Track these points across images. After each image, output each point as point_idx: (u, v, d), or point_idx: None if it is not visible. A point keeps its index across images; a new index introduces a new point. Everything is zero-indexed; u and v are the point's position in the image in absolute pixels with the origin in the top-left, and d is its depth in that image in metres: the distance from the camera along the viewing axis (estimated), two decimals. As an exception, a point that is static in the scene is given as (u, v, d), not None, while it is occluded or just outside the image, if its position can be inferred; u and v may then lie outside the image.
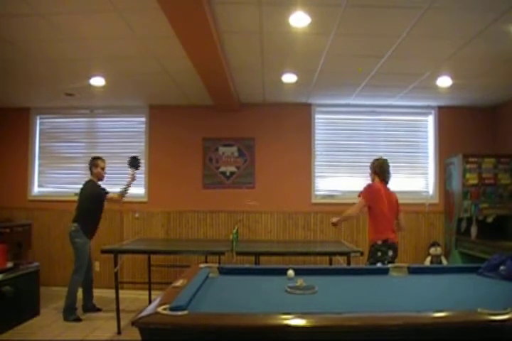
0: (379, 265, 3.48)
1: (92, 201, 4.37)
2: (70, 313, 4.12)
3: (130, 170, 4.44)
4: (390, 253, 3.61)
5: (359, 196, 3.80)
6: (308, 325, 1.47)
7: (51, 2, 2.75)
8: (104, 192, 4.35)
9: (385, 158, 3.98)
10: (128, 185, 4.42)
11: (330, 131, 5.60)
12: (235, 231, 4.17)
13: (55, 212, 5.47)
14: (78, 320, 4.09)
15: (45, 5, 2.78)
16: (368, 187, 3.79)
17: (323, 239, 5.30)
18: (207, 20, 2.73)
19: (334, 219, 3.80)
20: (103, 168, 4.49)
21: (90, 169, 4.48)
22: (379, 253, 3.58)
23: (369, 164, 4.00)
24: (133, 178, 4.44)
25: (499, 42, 3.30)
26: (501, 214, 4.71)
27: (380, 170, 3.86)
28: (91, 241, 4.38)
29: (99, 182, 4.47)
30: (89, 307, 4.44)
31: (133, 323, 1.48)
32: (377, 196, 3.71)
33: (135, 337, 1.54)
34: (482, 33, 3.12)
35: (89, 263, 4.39)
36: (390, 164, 3.91)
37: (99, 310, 4.47)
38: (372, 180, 3.93)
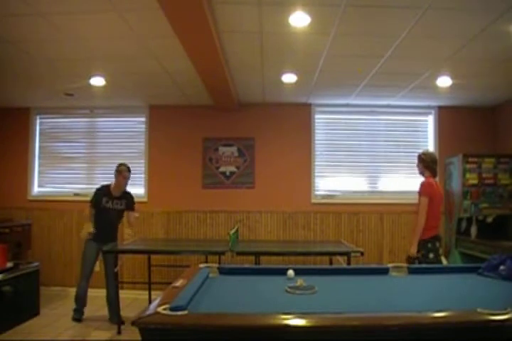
0: (431, 255, 3.56)
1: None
2: (74, 312, 4.18)
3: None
4: (438, 244, 3.67)
5: (419, 194, 3.70)
6: (308, 325, 1.47)
7: (51, 2, 2.75)
8: (92, 200, 4.22)
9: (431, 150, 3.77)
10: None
11: (330, 131, 5.60)
12: (234, 230, 4.17)
13: (55, 212, 5.48)
14: (77, 320, 4.10)
15: (44, 5, 2.78)
16: (428, 185, 3.68)
17: (323, 239, 5.30)
18: (207, 20, 2.73)
19: (412, 250, 3.62)
20: (124, 178, 4.26)
21: (115, 175, 4.30)
22: (429, 245, 3.60)
23: (416, 159, 3.86)
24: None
25: (499, 42, 3.30)
26: (501, 214, 4.71)
27: (432, 163, 3.78)
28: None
29: (116, 192, 4.29)
30: (113, 320, 4.10)
31: (133, 323, 1.48)
32: (434, 192, 3.67)
33: (135, 337, 1.54)
34: (482, 33, 3.11)
35: (106, 274, 4.24)
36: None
37: (122, 323, 3.94)
38: (422, 174, 3.83)
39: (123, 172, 4.25)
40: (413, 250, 3.61)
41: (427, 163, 3.78)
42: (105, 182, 4.40)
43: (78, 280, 4.25)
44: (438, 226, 3.75)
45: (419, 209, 3.63)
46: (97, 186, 4.37)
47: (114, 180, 4.30)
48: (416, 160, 3.90)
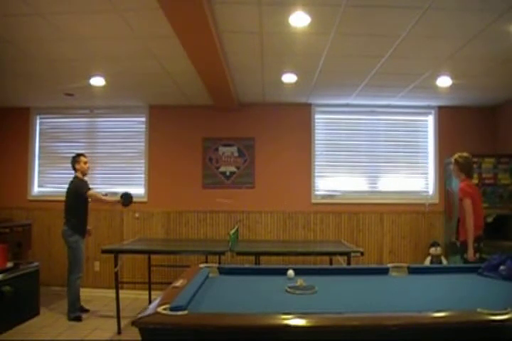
0: (478, 255, 3.61)
1: (75, 197, 4.33)
2: (71, 311, 4.14)
3: (120, 200, 4.38)
4: (482, 244, 3.73)
5: (460, 200, 3.77)
6: (308, 325, 1.47)
7: (51, 2, 2.75)
8: (86, 188, 4.31)
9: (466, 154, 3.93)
10: (112, 201, 4.47)
11: (330, 131, 5.60)
12: (234, 230, 4.17)
13: (55, 212, 5.45)
14: (78, 319, 4.09)
15: (44, 5, 2.78)
16: (467, 187, 3.77)
17: (323, 239, 5.30)
18: (207, 20, 2.73)
19: (470, 254, 3.61)
20: (85, 163, 4.46)
21: (73, 167, 4.43)
22: (476, 245, 3.62)
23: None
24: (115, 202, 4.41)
25: (499, 42, 3.30)
26: (501, 214, 4.71)
27: (468, 166, 3.87)
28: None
29: (85, 178, 4.49)
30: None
31: (133, 323, 1.48)
32: (474, 192, 3.77)
33: (135, 337, 1.54)
34: (482, 33, 3.11)
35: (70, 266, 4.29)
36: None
37: (86, 310, 4.40)
38: (458, 177, 3.95)
39: (83, 159, 4.45)
40: (470, 254, 3.62)
41: (462, 166, 3.87)
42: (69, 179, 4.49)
43: (73, 279, 4.19)
44: (482, 225, 3.79)
45: (465, 212, 3.67)
46: (70, 180, 4.44)
47: (76, 171, 4.42)
48: (452, 165, 3.99)
